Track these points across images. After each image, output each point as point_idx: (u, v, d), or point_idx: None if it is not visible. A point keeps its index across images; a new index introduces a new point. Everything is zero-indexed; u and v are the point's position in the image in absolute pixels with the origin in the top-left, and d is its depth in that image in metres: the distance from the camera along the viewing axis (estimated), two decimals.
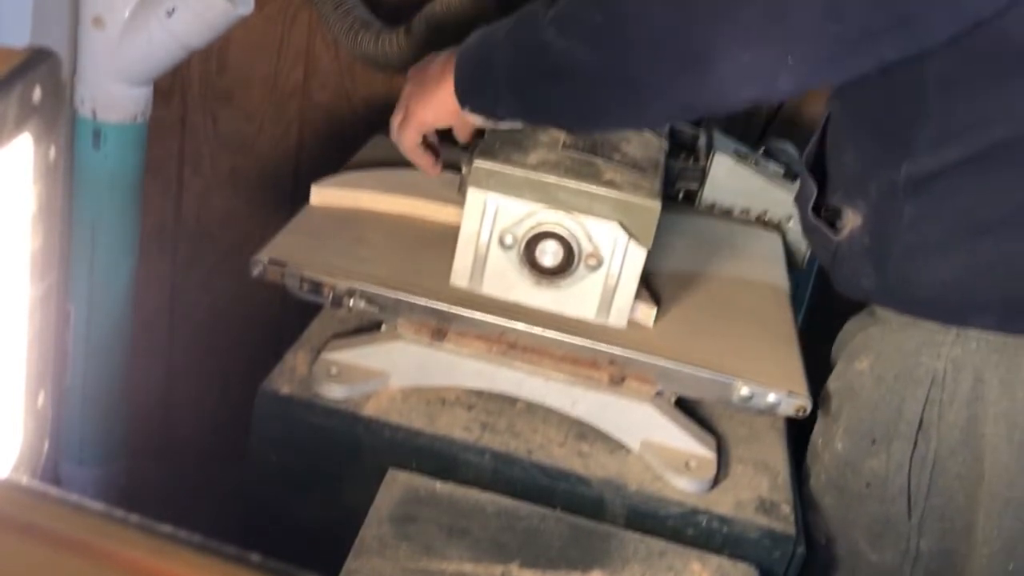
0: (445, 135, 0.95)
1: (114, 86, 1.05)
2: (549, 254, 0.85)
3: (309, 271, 0.87)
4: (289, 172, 1.45)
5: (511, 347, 0.87)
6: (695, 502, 0.84)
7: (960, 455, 0.79)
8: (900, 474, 0.82)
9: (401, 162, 1.00)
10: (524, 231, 0.85)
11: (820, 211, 0.86)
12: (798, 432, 0.95)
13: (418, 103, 0.89)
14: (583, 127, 0.87)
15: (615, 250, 0.85)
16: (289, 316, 0.98)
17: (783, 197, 1.13)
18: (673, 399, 0.88)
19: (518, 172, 0.84)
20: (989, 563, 0.79)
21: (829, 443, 0.88)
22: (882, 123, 0.79)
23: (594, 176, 0.85)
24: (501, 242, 0.86)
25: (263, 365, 0.90)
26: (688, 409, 0.90)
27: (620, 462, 0.87)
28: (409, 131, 0.92)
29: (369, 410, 0.86)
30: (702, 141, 1.17)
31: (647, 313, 0.89)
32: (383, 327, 0.90)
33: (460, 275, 0.88)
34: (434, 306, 0.86)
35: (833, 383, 0.89)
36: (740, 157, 1.15)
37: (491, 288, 0.88)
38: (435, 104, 0.88)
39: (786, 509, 0.85)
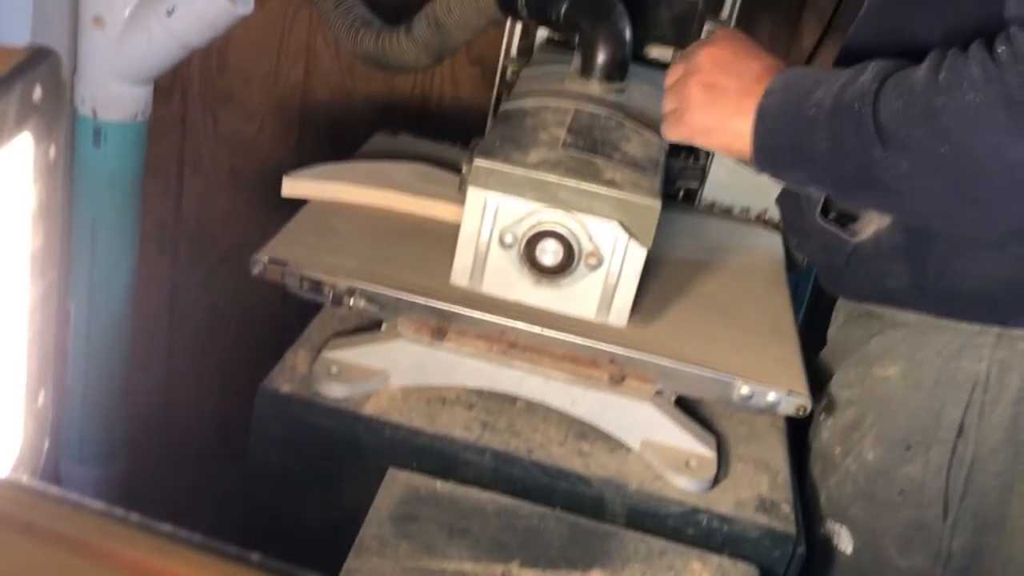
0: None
1: (114, 85, 1.05)
2: (549, 253, 0.85)
3: (309, 270, 0.87)
4: (289, 170, 1.46)
5: (511, 346, 0.87)
6: (695, 501, 0.84)
7: (1001, 454, 0.79)
8: (938, 478, 0.81)
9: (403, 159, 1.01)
10: (524, 230, 0.85)
11: (828, 213, 0.85)
12: (797, 431, 0.95)
13: (700, 119, 0.80)
14: (902, 218, 0.79)
15: (615, 249, 0.85)
16: (289, 315, 0.98)
17: None
18: (673, 398, 0.88)
19: (518, 171, 0.84)
20: None
21: (853, 452, 0.86)
22: None
23: (594, 175, 0.85)
24: (501, 241, 0.86)
25: (263, 364, 0.90)
26: (688, 408, 0.90)
27: (620, 461, 0.87)
28: (676, 134, 0.84)
29: (369, 409, 0.86)
30: None
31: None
32: (383, 326, 0.90)
33: (460, 274, 0.88)
34: (434, 305, 0.86)
35: (846, 391, 0.88)
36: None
37: (491, 287, 0.88)
38: (718, 134, 0.79)
39: (786, 508, 0.85)
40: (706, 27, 1.07)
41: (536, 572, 0.76)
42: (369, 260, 0.90)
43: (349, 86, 1.41)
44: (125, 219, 1.13)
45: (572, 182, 0.84)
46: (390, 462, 0.84)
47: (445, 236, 0.91)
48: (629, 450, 0.88)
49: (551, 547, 0.78)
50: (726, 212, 1.16)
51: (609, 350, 0.85)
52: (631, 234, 0.84)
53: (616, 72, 0.99)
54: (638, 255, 0.85)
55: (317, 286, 0.87)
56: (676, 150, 1.14)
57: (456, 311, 0.86)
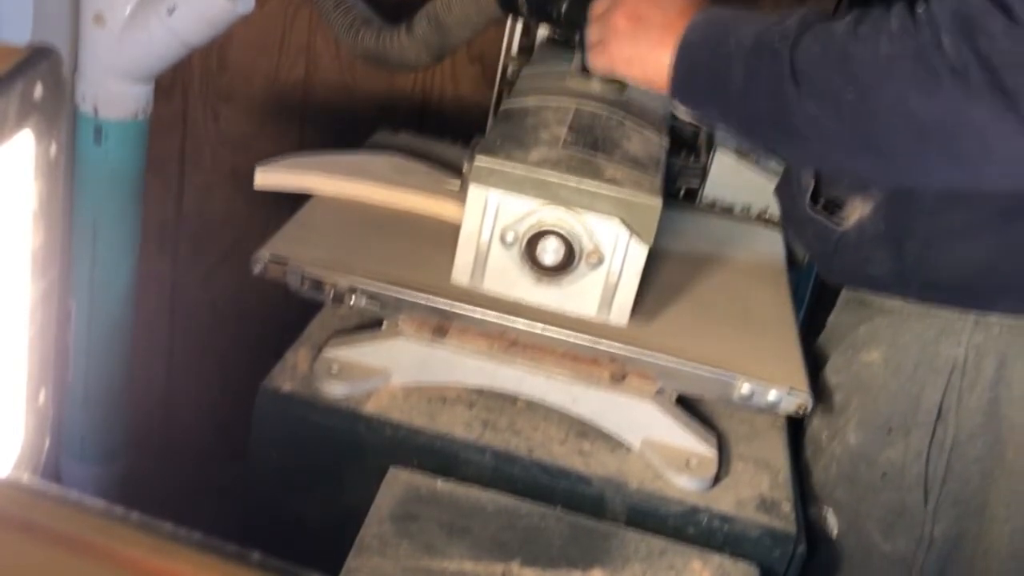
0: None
1: (115, 83, 1.05)
2: (550, 252, 0.85)
3: (310, 268, 0.87)
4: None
5: (512, 345, 0.87)
6: (696, 500, 0.84)
7: (980, 438, 0.80)
8: (918, 462, 0.82)
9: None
10: (525, 229, 0.85)
11: (817, 202, 0.86)
12: (798, 430, 0.95)
13: (622, 49, 0.80)
14: (794, 160, 0.82)
15: (616, 248, 0.85)
16: (290, 313, 0.98)
17: None
18: (674, 397, 0.88)
19: (519, 169, 0.84)
20: (1011, 540, 0.80)
21: (839, 436, 0.88)
22: None
23: (595, 173, 0.85)
24: (502, 240, 0.86)
25: (264, 363, 0.90)
26: (689, 407, 0.90)
27: (621, 460, 0.87)
28: (599, 64, 0.84)
29: (370, 408, 0.86)
30: (703, 138, 1.17)
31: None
32: (384, 324, 0.90)
33: (461, 273, 0.88)
34: (435, 303, 0.86)
35: (834, 377, 0.89)
36: (741, 154, 1.15)
37: (492, 286, 0.88)
38: (639, 63, 0.79)
39: (787, 507, 0.85)
40: None
41: (536, 571, 0.76)
42: (370, 258, 0.90)
43: (350, 84, 1.41)
44: (126, 217, 1.13)
45: (573, 180, 0.84)
46: (391, 461, 0.84)
47: (446, 235, 0.91)
48: (630, 449, 0.88)
49: (551, 546, 0.78)
50: (727, 211, 1.16)
51: (610, 349, 0.85)
52: (632, 232, 0.84)
53: None
54: (639, 254, 0.85)
55: (318, 284, 0.87)
56: (677, 149, 1.14)
57: (457, 309, 0.86)
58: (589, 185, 0.83)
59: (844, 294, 0.94)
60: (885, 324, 0.85)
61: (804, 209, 0.88)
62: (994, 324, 0.78)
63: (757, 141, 0.80)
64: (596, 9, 0.85)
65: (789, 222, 0.93)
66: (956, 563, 0.83)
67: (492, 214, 0.85)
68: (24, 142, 0.40)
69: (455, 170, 1.02)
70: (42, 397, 0.46)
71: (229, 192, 1.49)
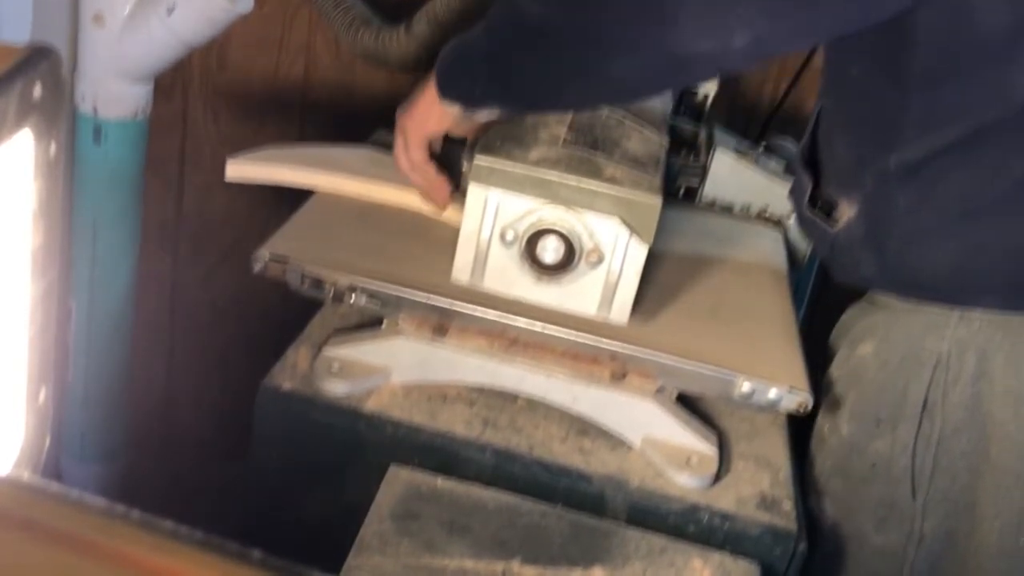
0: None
1: (115, 83, 1.05)
2: (550, 251, 0.85)
3: (310, 267, 0.87)
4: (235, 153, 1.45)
5: (512, 343, 0.87)
6: (696, 498, 0.84)
7: (965, 434, 0.81)
8: (905, 455, 0.83)
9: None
10: (525, 227, 0.85)
11: (816, 204, 0.88)
12: (798, 428, 0.95)
13: (409, 120, 0.89)
14: (552, 97, 0.85)
15: (616, 246, 0.85)
16: (290, 312, 0.98)
17: (784, 193, 1.13)
18: (674, 395, 0.88)
19: (519, 168, 0.84)
20: (999, 538, 0.80)
21: (835, 428, 0.89)
22: (870, 114, 0.80)
23: (595, 172, 0.85)
24: (502, 238, 0.86)
25: (264, 361, 0.90)
26: (689, 405, 0.90)
27: (621, 458, 0.87)
28: (411, 150, 0.91)
29: (370, 406, 0.87)
30: (703, 137, 1.17)
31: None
32: (384, 323, 0.90)
33: (461, 271, 0.88)
34: (435, 302, 0.86)
35: (836, 370, 0.90)
36: (741, 153, 1.15)
37: (492, 284, 0.88)
38: (423, 112, 0.87)
39: (787, 505, 0.85)
40: None
41: (537, 569, 0.76)
42: (370, 257, 0.90)
43: (349, 84, 1.41)
44: (126, 217, 1.13)
45: (573, 179, 0.84)
46: (391, 459, 0.84)
47: (446, 233, 0.91)
48: (630, 447, 0.88)
49: (552, 544, 0.78)
50: (727, 210, 1.16)
51: (610, 347, 0.85)
52: (632, 231, 0.84)
53: None
54: (639, 252, 0.85)
55: (318, 283, 0.87)
56: (677, 148, 1.14)
57: (457, 308, 0.86)
58: (589, 184, 0.83)
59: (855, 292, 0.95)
60: (879, 319, 0.86)
61: (804, 210, 0.89)
62: (975, 319, 0.79)
63: (503, 77, 0.82)
64: (398, 161, 0.93)
65: (800, 223, 0.95)
66: (949, 561, 0.83)
67: (492, 213, 0.85)
68: (23, 142, 0.40)
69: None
70: (42, 396, 0.46)
71: (229, 192, 1.49)
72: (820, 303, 1.23)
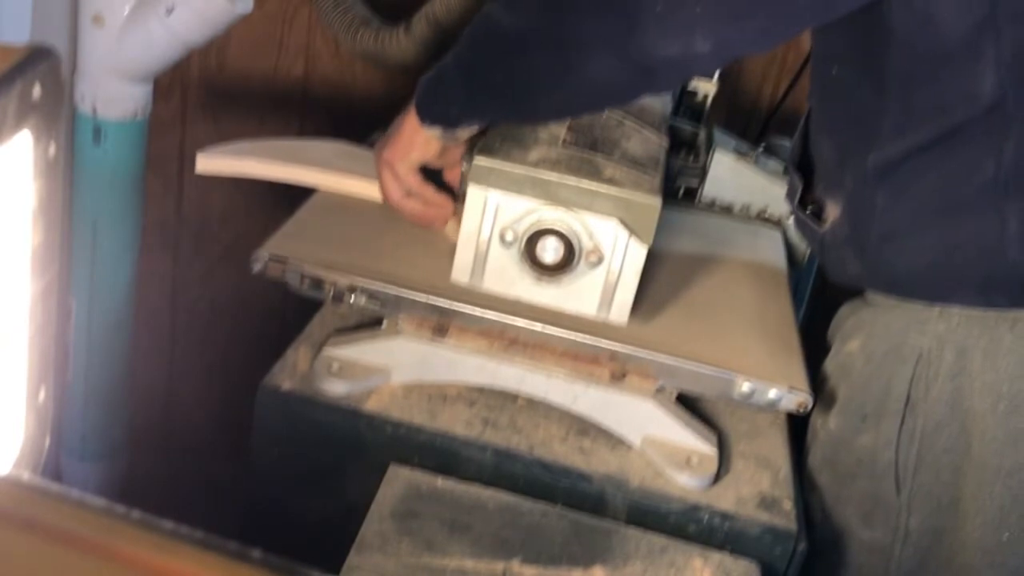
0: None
1: (114, 83, 1.05)
2: (550, 251, 0.85)
3: (310, 267, 0.87)
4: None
5: (512, 343, 0.87)
6: (696, 498, 0.84)
7: (946, 429, 0.81)
8: (888, 450, 0.84)
9: None
10: (525, 228, 0.85)
11: (807, 205, 0.89)
12: (799, 427, 0.95)
13: (392, 153, 0.90)
14: (527, 108, 0.85)
15: (616, 247, 0.85)
16: (290, 312, 0.98)
17: (783, 194, 1.13)
18: (674, 395, 0.88)
19: (518, 169, 0.84)
20: (982, 534, 0.80)
21: (824, 423, 0.90)
22: (850, 115, 0.82)
23: (595, 173, 0.85)
24: (502, 239, 0.86)
25: (264, 361, 0.90)
26: (689, 405, 0.90)
27: (621, 458, 0.87)
28: (403, 179, 0.91)
29: (370, 406, 0.87)
30: (702, 138, 1.17)
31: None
32: (384, 323, 0.90)
33: (461, 272, 0.88)
34: (435, 302, 0.86)
35: (828, 365, 0.91)
36: (740, 154, 1.15)
37: (492, 285, 0.88)
38: (406, 141, 0.88)
39: (787, 505, 0.85)
40: None
41: (537, 569, 0.76)
42: (370, 257, 0.90)
43: (348, 84, 1.41)
44: (126, 217, 1.13)
45: (572, 180, 0.84)
46: (391, 459, 0.84)
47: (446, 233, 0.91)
48: (630, 447, 0.88)
49: (552, 544, 0.78)
50: (726, 210, 1.16)
51: (610, 347, 0.85)
52: (632, 232, 0.84)
53: None
54: (639, 253, 0.85)
55: (318, 283, 0.87)
56: (676, 149, 1.14)
57: (457, 308, 0.86)
58: (588, 185, 0.83)
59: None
60: (866, 315, 0.87)
61: (796, 211, 0.91)
62: (954, 315, 0.80)
63: (479, 90, 0.84)
64: (386, 196, 0.94)
65: (795, 223, 0.96)
66: (935, 558, 0.84)
67: (491, 214, 0.85)
68: (23, 142, 0.40)
69: None
70: (42, 395, 0.47)
71: (229, 191, 1.49)
72: (819, 303, 1.23)
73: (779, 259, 1.08)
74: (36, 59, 0.40)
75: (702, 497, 0.84)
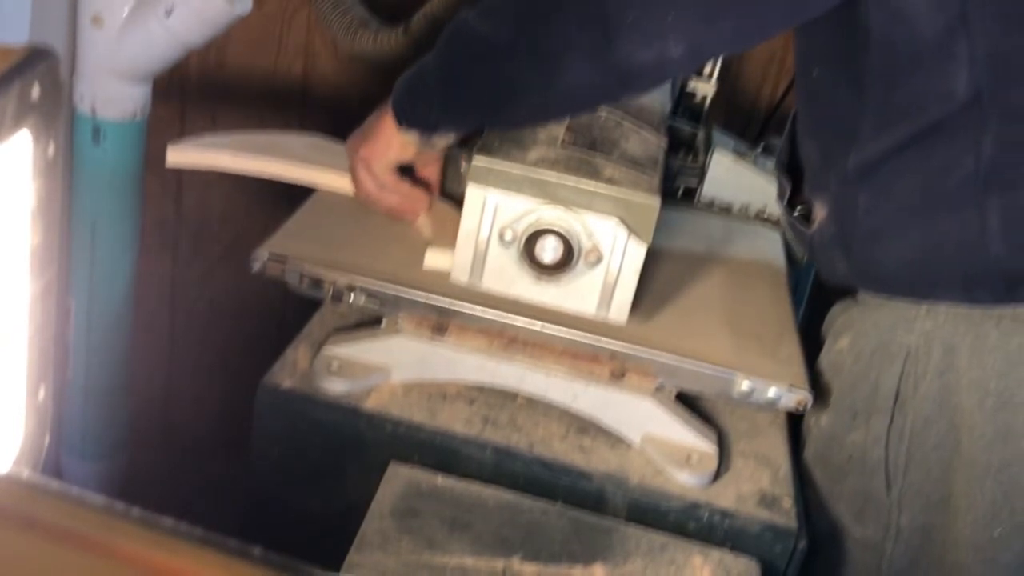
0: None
1: (113, 84, 1.05)
2: (549, 250, 0.85)
3: (309, 266, 0.87)
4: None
5: (512, 342, 0.87)
6: (696, 496, 0.84)
7: (935, 426, 0.81)
8: (878, 447, 0.84)
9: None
10: (524, 228, 0.85)
11: (796, 206, 0.90)
12: (799, 426, 0.95)
13: (369, 150, 0.91)
14: (505, 115, 0.86)
15: (615, 246, 0.85)
16: (289, 311, 0.98)
17: None
18: (674, 394, 0.88)
19: (517, 169, 0.84)
20: (973, 531, 0.81)
21: (817, 419, 0.90)
22: (832, 117, 0.82)
23: (594, 173, 0.85)
24: (501, 238, 0.86)
25: (264, 360, 0.90)
26: (689, 403, 0.90)
27: (621, 456, 0.87)
28: (379, 176, 0.92)
29: (370, 404, 0.87)
30: (701, 138, 1.17)
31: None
32: (384, 322, 0.90)
33: (460, 271, 0.88)
34: (435, 301, 0.86)
35: (820, 363, 0.91)
36: (739, 154, 1.15)
37: (491, 284, 0.88)
38: (383, 142, 0.89)
39: (787, 503, 0.85)
40: None
41: (538, 566, 0.76)
42: (369, 256, 0.90)
43: (348, 86, 1.41)
44: (125, 217, 1.13)
45: (571, 180, 0.84)
46: (391, 457, 0.84)
47: (446, 232, 0.91)
48: (630, 445, 0.88)
49: (553, 541, 0.79)
50: (725, 210, 1.16)
51: (610, 346, 0.85)
52: (631, 232, 0.84)
53: None
54: (638, 252, 0.85)
55: (317, 282, 0.87)
56: (675, 149, 1.14)
57: (457, 307, 0.86)
58: (587, 185, 0.84)
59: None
60: (856, 313, 0.87)
61: (785, 213, 0.92)
62: (940, 312, 0.80)
63: (457, 97, 0.84)
64: (359, 192, 0.95)
65: (786, 225, 0.96)
66: (927, 556, 0.84)
67: (491, 213, 0.85)
68: (22, 142, 0.40)
69: None
70: (42, 394, 0.47)
71: (228, 191, 1.49)
72: (818, 302, 1.23)
73: (778, 258, 1.08)
74: (35, 59, 0.40)
75: (702, 495, 0.84)
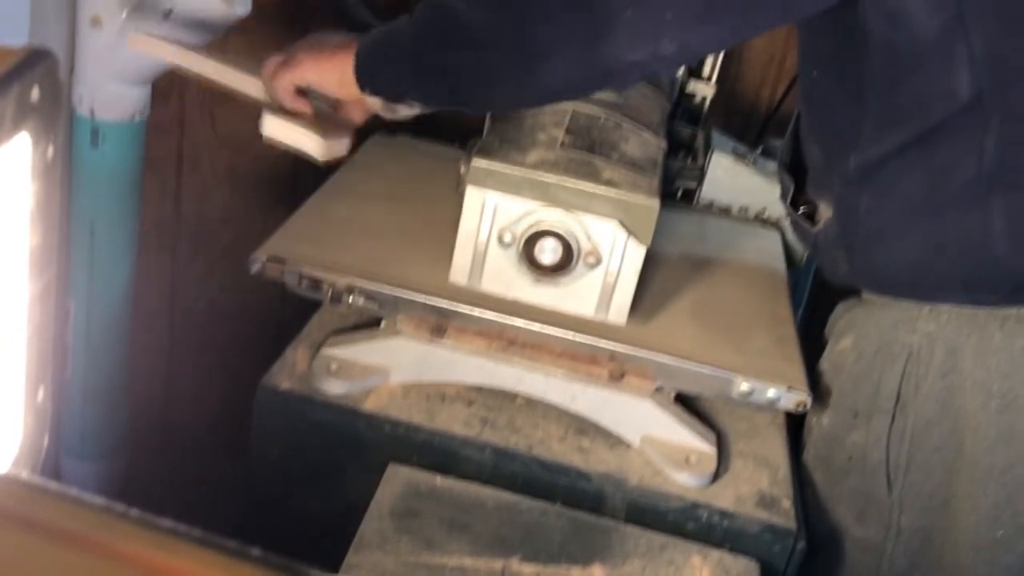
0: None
1: (112, 85, 1.05)
2: (548, 252, 0.86)
3: (308, 268, 0.87)
4: (287, 170, 1.45)
5: (511, 343, 0.87)
6: (695, 496, 0.84)
7: (937, 428, 0.81)
8: (879, 448, 0.84)
9: (398, 168, 1.00)
10: (523, 229, 0.85)
11: (799, 205, 0.90)
12: (798, 426, 0.95)
13: (308, 57, 0.87)
14: (478, 99, 0.85)
15: (614, 248, 0.85)
16: (289, 312, 0.98)
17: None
18: (673, 395, 0.88)
19: (517, 171, 0.84)
20: (975, 532, 0.81)
21: (818, 419, 0.90)
22: (832, 117, 0.82)
23: (593, 175, 0.85)
24: (500, 240, 0.86)
25: (263, 361, 0.90)
26: (688, 404, 0.90)
27: (620, 457, 0.87)
28: (286, 76, 0.88)
29: (369, 406, 0.87)
30: (700, 140, 1.17)
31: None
32: (383, 323, 0.90)
33: (459, 272, 0.88)
34: (433, 303, 0.86)
35: (822, 363, 0.91)
36: (738, 156, 1.16)
37: (490, 286, 0.88)
38: (327, 68, 0.86)
39: (786, 504, 0.85)
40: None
41: (536, 567, 0.76)
42: (368, 257, 0.90)
43: None
44: (124, 218, 1.13)
45: (571, 182, 0.84)
46: (390, 458, 0.84)
47: (444, 234, 0.91)
48: (629, 446, 0.88)
49: (551, 542, 0.79)
50: (724, 211, 1.16)
51: (608, 347, 0.85)
52: (630, 233, 0.84)
53: None
54: (637, 254, 0.85)
55: (316, 284, 0.87)
56: (675, 150, 1.14)
57: (456, 308, 0.86)
58: (586, 187, 0.84)
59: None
60: (859, 313, 0.87)
61: (788, 211, 0.92)
62: (944, 313, 0.80)
63: (430, 75, 0.82)
64: (270, 64, 0.91)
65: (790, 224, 0.96)
66: (926, 558, 0.84)
67: (490, 215, 0.85)
68: (21, 145, 0.40)
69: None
70: (41, 395, 0.47)
71: (227, 192, 1.49)
72: (818, 303, 1.23)
73: (777, 260, 1.08)
74: (34, 61, 0.40)
75: (701, 495, 0.84)
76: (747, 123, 1.35)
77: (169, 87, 1.41)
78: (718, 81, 1.20)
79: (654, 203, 0.84)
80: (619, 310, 0.88)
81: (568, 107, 0.96)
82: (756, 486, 0.87)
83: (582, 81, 0.78)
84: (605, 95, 0.99)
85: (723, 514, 0.84)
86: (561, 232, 0.84)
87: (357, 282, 0.86)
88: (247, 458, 0.90)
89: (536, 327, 0.86)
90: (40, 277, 0.44)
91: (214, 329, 1.59)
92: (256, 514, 0.92)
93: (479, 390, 0.90)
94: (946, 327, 0.80)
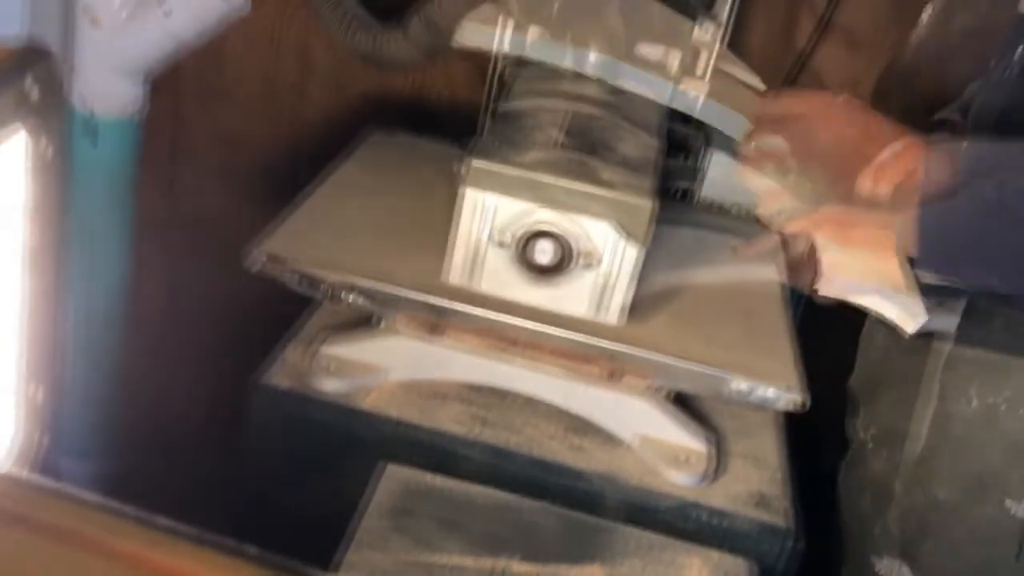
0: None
1: (110, 82, 1.05)
2: (545, 252, 0.85)
3: (305, 266, 0.87)
4: (284, 167, 1.45)
5: (508, 342, 0.87)
6: (691, 496, 0.84)
7: None
8: (1012, 518, 0.80)
9: (396, 167, 1.00)
10: (520, 230, 0.85)
11: None
12: (798, 426, 0.95)
13: (846, 229, 0.83)
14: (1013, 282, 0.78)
15: (611, 249, 0.85)
16: (286, 309, 0.98)
17: None
18: (669, 394, 0.88)
19: (514, 172, 0.84)
20: None
21: (922, 489, 0.85)
22: None
23: (589, 176, 0.85)
24: (497, 241, 0.86)
25: (260, 359, 0.90)
26: (685, 404, 0.90)
27: (616, 456, 0.87)
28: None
29: (366, 404, 0.87)
30: (699, 140, 1.17)
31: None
32: (381, 322, 0.90)
33: (456, 272, 0.88)
34: (431, 301, 0.86)
35: (912, 424, 0.86)
36: (736, 155, 1.15)
37: (487, 286, 0.88)
38: (858, 238, 0.81)
39: (782, 503, 0.86)
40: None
41: (532, 566, 0.76)
42: (366, 256, 0.90)
43: (344, 83, 1.41)
44: (120, 214, 1.13)
45: (567, 183, 0.84)
46: (386, 456, 0.84)
47: (443, 233, 0.91)
48: (625, 445, 0.88)
49: (547, 541, 0.79)
50: (722, 211, 1.16)
51: (605, 347, 0.85)
52: (626, 234, 0.84)
53: None
54: (633, 254, 0.85)
55: (313, 282, 0.87)
56: (673, 150, 1.14)
57: (453, 307, 0.86)
58: (583, 187, 0.84)
59: (887, 333, 0.89)
60: (972, 373, 0.82)
61: None
62: None
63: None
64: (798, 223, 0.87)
65: None
66: None
67: (488, 215, 0.85)
68: (19, 141, 0.40)
69: None
70: (38, 394, 0.47)
71: (223, 189, 1.49)
72: (814, 303, 1.23)
73: (775, 259, 1.08)
74: (32, 58, 0.40)
75: (697, 495, 0.84)
76: None
77: (166, 83, 1.41)
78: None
79: (649, 204, 0.84)
80: (616, 310, 0.88)
81: (566, 107, 0.96)
82: (752, 486, 0.87)
83: None
84: (604, 95, 0.99)
85: (719, 514, 0.84)
86: (558, 233, 0.85)
87: (355, 280, 0.86)
88: (243, 456, 0.90)
89: (533, 326, 0.86)
90: (38, 274, 0.44)
91: (210, 327, 1.59)
92: (252, 512, 0.92)
93: (476, 389, 0.90)
94: None
